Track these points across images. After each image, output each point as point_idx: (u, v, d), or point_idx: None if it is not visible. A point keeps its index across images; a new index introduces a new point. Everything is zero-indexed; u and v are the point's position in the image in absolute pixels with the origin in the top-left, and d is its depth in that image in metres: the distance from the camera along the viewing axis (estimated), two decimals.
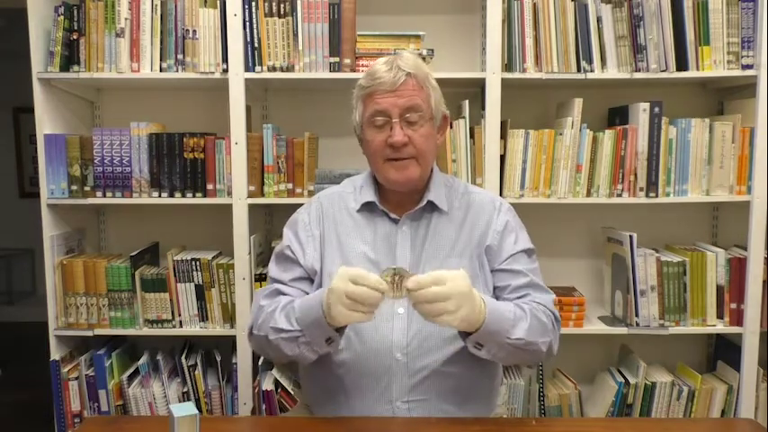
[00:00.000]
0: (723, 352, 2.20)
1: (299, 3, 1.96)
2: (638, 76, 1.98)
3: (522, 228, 1.46)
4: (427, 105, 1.36)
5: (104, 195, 2.03)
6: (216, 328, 2.07)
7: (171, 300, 2.05)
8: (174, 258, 2.04)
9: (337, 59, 1.98)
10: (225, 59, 1.97)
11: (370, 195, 1.42)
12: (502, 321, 1.21)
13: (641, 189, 2.00)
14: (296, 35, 1.97)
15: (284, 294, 1.37)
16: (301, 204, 1.52)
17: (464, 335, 1.23)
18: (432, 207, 1.41)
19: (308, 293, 1.38)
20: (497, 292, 1.39)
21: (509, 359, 1.29)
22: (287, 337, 1.26)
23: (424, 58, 1.97)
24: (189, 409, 1.12)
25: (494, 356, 1.25)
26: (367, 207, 1.43)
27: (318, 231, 1.42)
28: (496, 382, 1.45)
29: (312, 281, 1.40)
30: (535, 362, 1.31)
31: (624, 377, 2.10)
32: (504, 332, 1.21)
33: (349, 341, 1.33)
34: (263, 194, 2.04)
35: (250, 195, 2.01)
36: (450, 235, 1.40)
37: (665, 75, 1.98)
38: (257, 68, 1.98)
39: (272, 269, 1.44)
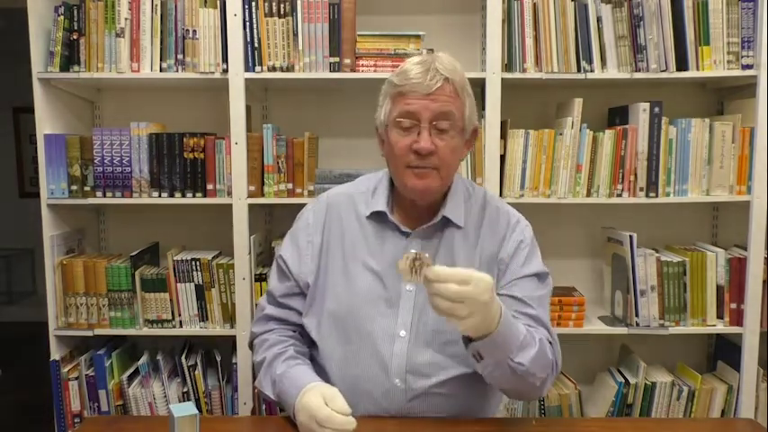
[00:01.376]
0: (723, 352, 2.20)
1: (299, 3, 1.96)
2: (638, 76, 1.98)
3: (536, 249, 1.37)
4: (460, 115, 1.27)
5: (104, 195, 2.03)
6: (216, 328, 2.07)
7: (171, 300, 2.05)
8: (174, 258, 2.04)
9: (337, 59, 1.98)
10: (225, 59, 1.97)
11: (381, 204, 1.34)
12: (510, 339, 1.14)
13: (641, 189, 2.00)
14: (296, 35, 1.97)
15: (274, 318, 1.39)
16: (301, 204, 1.50)
17: (467, 339, 1.15)
18: (446, 222, 1.33)
19: (299, 312, 1.38)
20: None
21: (500, 381, 1.21)
22: (267, 398, 1.33)
23: None
24: (189, 409, 1.12)
25: (489, 374, 1.18)
26: (377, 215, 1.35)
27: (320, 238, 1.37)
28: (495, 403, 1.41)
29: (304, 294, 1.37)
30: (523, 394, 1.26)
31: (624, 377, 2.10)
32: (509, 352, 1.14)
33: (346, 363, 1.30)
34: (263, 194, 2.04)
35: (250, 195, 2.01)
36: (461, 253, 1.32)
37: (665, 75, 1.98)
38: (257, 68, 1.98)
39: (271, 278, 1.44)
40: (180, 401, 2.05)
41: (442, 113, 1.24)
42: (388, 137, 1.30)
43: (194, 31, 1.98)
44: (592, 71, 1.98)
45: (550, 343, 1.27)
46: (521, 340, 1.16)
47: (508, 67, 1.98)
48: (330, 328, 1.33)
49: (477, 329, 1.10)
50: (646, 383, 2.06)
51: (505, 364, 1.15)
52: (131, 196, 2.03)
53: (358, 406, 1.27)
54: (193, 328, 2.07)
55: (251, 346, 1.46)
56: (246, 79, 1.98)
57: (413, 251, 1.07)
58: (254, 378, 2.01)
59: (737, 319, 2.04)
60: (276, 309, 1.40)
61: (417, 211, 1.34)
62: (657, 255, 2.05)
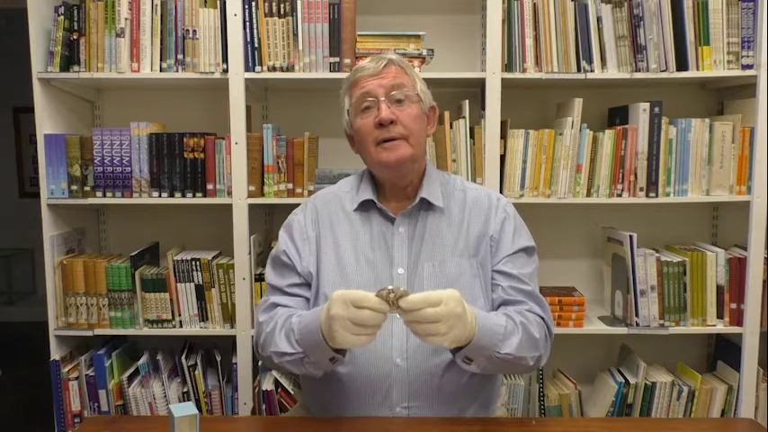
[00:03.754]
0: (723, 352, 2.20)
1: (299, 3, 1.96)
2: (638, 76, 1.98)
3: (522, 224, 1.44)
4: (412, 86, 1.37)
5: (104, 195, 2.03)
6: (216, 328, 2.07)
7: (171, 300, 2.05)
8: (174, 258, 2.04)
9: (337, 59, 1.98)
10: (225, 59, 1.97)
11: (368, 193, 1.40)
12: (492, 336, 1.20)
13: (641, 189, 2.00)
14: (296, 35, 1.97)
15: (282, 305, 1.36)
16: (300, 205, 1.51)
17: (454, 350, 1.20)
18: (427, 205, 1.39)
19: (306, 299, 1.38)
20: (492, 293, 1.37)
21: (497, 371, 1.31)
22: (291, 360, 1.25)
23: (423, 59, 1.97)
24: (189, 409, 1.11)
25: (483, 369, 1.23)
26: (363, 207, 1.41)
27: (314, 233, 1.41)
28: (497, 386, 1.44)
29: (310, 285, 1.39)
30: (521, 373, 1.32)
31: (624, 377, 2.10)
32: (494, 347, 1.20)
33: (348, 348, 1.30)
34: (263, 194, 2.04)
35: (250, 195, 2.01)
36: (448, 234, 1.38)
37: (665, 75, 1.98)
38: (257, 68, 1.98)
39: (269, 275, 1.43)
40: (180, 401, 2.05)
41: (394, 86, 1.34)
42: (354, 127, 1.38)
43: (194, 31, 1.98)
44: (592, 71, 1.98)
45: (542, 318, 1.32)
46: (502, 333, 1.21)
47: (508, 67, 1.98)
48: None
49: (459, 340, 1.15)
50: (646, 383, 2.06)
51: (495, 358, 1.21)
52: (131, 196, 2.03)
53: (360, 394, 1.31)
54: (193, 328, 2.07)
55: (256, 350, 1.39)
56: (246, 79, 1.98)
57: (388, 287, 1.11)
58: (254, 378, 2.03)
59: (737, 319, 2.04)
60: (283, 297, 1.38)
61: (398, 198, 1.41)
62: (657, 255, 2.04)
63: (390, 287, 1.11)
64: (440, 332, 1.10)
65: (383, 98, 1.33)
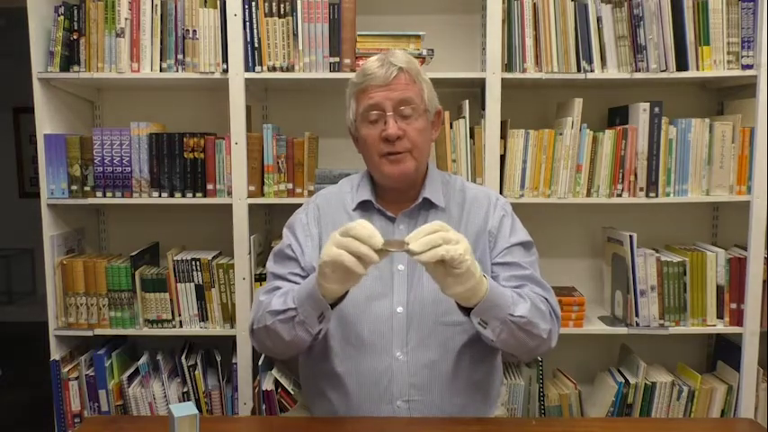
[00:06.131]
0: (723, 352, 2.20)
1: (299, 3, 1.96)
2: (638, 76, 1.98)
3: (519, 222, 1.45)
4: (420, 99, 1.37)
5: (104, 195, 2.03)
6: (216, 328, 2.07)
7: (171, 300, 2.05)
8: (174, 258, 2.04)
9: (337, 59, 1.98)
10: (225, 59, 1.97)
11: (366, 194, 1.42)
12: (503, 297, 1.21)
13: (641, 189, 2.00)
14: (296, 35, 1.97)
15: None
16: (301, 204, 1.52)
17: (467, 312, 1.20)
18: (428, 204, 1.41)
19: None
20: None
21: (513, 343, 1.24)
22: (282, 318, 1.24)
23: (423, 59, 1.97)
24: (189, 409, 1.12)
25: (498, 337, 1.21)
26: (363, 206, 1.42)
27: (317, 230, 1.42)
28: (497, 380, 1.45)
29: None
30: (537, 350, 1.28)
31: (624, 377, 2.10)
32: (507, 308, 1.20)
33: (348, 342, 1.32)
34: (263, 194, 2.04)
35: (250, 195, 2.01)
36: None
37: (665, 75, 1.98)
38: (257, 68, 1.98)
39: (272, 266, 1.43)
40: (180, 401, 2.05)
41: (402, 100, 1.34)
42: (359, 133, 1.39)
43: (194, 31, 1.98)
44: (592, 71, 1.98)
45: (546, 299, 1.33)
46: (512, 297, 1.23)
47: (508, 67, 1.98)
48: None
49: (474, 274, 1.13)
50: (646, 383, 2.06)
51: (509, 322, 1.20)
52: (131, 196, 2.04)
53: (361, 388, 1.32)
54: (193, 328, 2.07)
55: (251, 330, 1.36)
56: (246, 79, 1.98)
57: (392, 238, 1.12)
58: (254, 378, 2.03)
59: (737, 319, 2.04)
60: (285, 283, 1.37)
61: (399, 198, 1.41)
62: (657, 255, 2.04)
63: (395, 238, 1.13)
64: (451, 239, 1.10)
65: (391, 113, 1.33)
